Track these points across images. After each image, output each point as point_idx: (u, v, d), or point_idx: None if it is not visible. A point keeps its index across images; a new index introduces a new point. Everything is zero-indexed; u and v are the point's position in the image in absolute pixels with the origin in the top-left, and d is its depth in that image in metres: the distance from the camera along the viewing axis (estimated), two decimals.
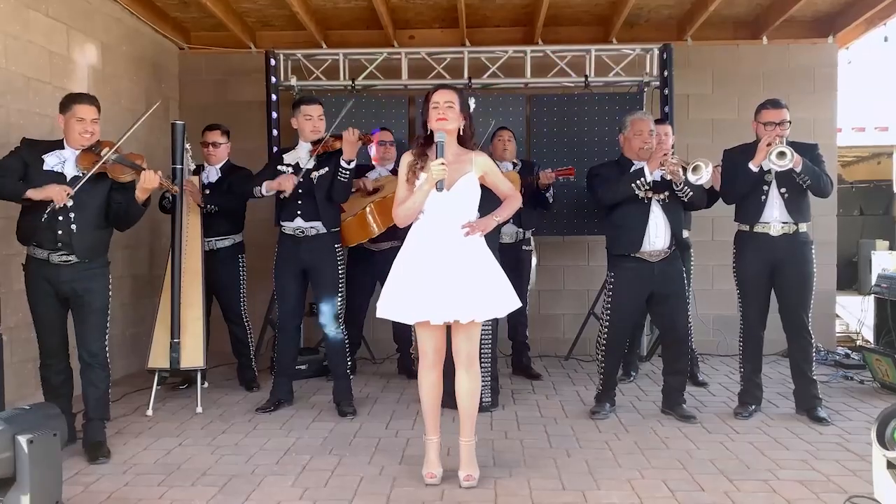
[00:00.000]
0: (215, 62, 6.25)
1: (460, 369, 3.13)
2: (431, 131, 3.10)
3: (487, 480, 3.16)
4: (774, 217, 4.03)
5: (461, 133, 3.16)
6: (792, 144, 3.95)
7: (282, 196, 4.18)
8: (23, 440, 2.57)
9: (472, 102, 3.29)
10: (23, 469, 2.57)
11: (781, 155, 3.82)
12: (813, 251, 4.10)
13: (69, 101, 3.49)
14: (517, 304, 3.17)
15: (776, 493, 3.03)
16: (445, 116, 3.06)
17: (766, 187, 4.03)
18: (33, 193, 3.33)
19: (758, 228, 4.07)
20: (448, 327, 3.14)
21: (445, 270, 3.02)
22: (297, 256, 4.19)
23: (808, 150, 4.02)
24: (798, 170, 3.90)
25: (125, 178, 3.48)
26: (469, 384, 3.13)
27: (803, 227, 4.07)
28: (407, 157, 3.18)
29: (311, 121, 4.19)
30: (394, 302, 3.10)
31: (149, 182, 3.46)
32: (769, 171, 3.99)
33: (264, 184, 4.20)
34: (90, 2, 4.94)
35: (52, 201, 3.34)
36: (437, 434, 3.20)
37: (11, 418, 2.66)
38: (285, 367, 4.37)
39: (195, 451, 3.60)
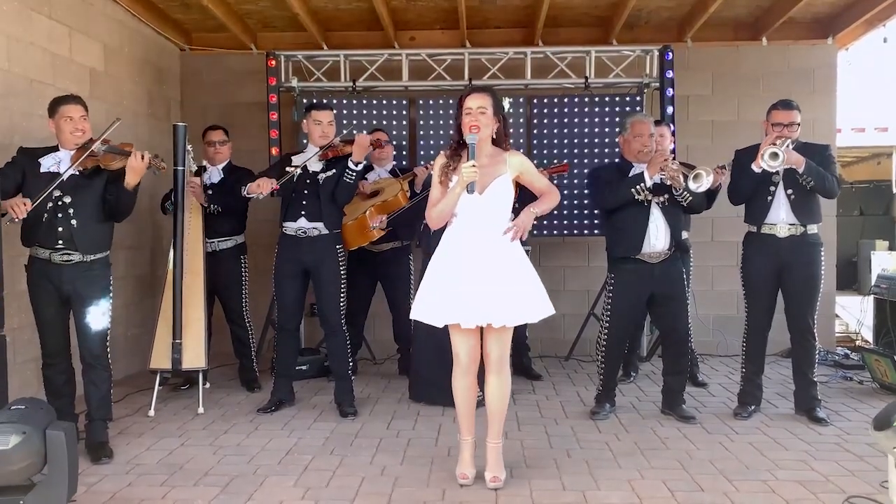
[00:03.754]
0: (216, 63, 6.27)
1: (490, 373, 3.11)
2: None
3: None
4: (781, 218, 4.02)
5: (494, 135, 3.13)
6: (804, 145, 3.98)
7: (258, 197, 4.19)
8: (57, 434, 2.57)
9: (506, 103, 3.23)
10: (60, 461, 2.56)
11: (774, 156, 3.83)
12: (822, 253, 4.07)
13: (55, 105, 3.56)
14: (551, 310, 3.12)
15: (775, 493, 3.04)
16: (478, 123, 3.03)
17: (772, 188, 4.02)
18: None
19: (764, 230, 4.06)
20: (480, 331, 3.12)
21: (478, 273, 3.00)
22: (299, 257, 4.20)
23: (818, 152, 4.02)
24: (801, 170, 3.90)
25: (115, 164, 3.54)
26: (499, 388, 3.11)
27: (812, 229, 4.04)
28: (440, 159, 3.17)
29: (320, 126, 4.21)
30: (425, 304, 3.11)
31: (136, 163, 3.49)
32: (777, 172, 3.98)
33: (248, 185, 4.22)
34: (92, 4, 4.96)
35: (49, 202, 3.39)
36: (471, 435, 3.19)
37: (25, 417, 2.64)
38: (286, 367, 4.38)
39: (197, 451, 3.62)
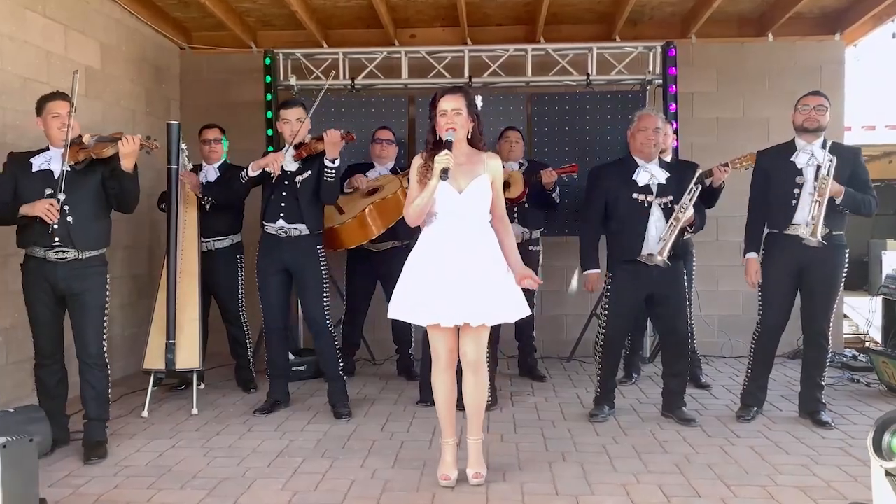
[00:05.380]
0: (216, 62, 6.23)
1: (468, 372, 3.12)
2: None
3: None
4: (805, 219, 3.89)
5: (470, 135, 3.12)
6: (835, 146, 3.89)
7: (272, 176, 4.10)
8: None
9: (479, 101, 3.23)
10: None
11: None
12: (846, 256, 3.96)
13: (43, 102, 3.56)
14: (526, 311, 3.13)
15: (774, 498, 2.97)
16: (454, 125, 3.03)
17: (796, 191, 3.90)
18: (26, 210, 3.39)
19: (789, 231, 3.94)
20: (457, 329, 3.11)
21: (457, 272, 3.00)
22: (280, 256, 4.15)
23: (850, 157, 3.90)
24: (838, 201, 3.79)
25: (108, 151, 3.53)
26: (476, 387, 3.12)
27: (838, 231, 3.92)
28: (417, 160, 3.16)
29: (288, 124, 4.15)
30: (405, 303, 3.09)
31: (128, 146, 3.47)
32: (801, 174, 3.89)
33: (251, 164, 4.13)
34: (89, 2, 4.93)
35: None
36: (453, 436, 3.17)
37: None
38: (279, 367, 4.33)
39: (188, 453, 3.58)
